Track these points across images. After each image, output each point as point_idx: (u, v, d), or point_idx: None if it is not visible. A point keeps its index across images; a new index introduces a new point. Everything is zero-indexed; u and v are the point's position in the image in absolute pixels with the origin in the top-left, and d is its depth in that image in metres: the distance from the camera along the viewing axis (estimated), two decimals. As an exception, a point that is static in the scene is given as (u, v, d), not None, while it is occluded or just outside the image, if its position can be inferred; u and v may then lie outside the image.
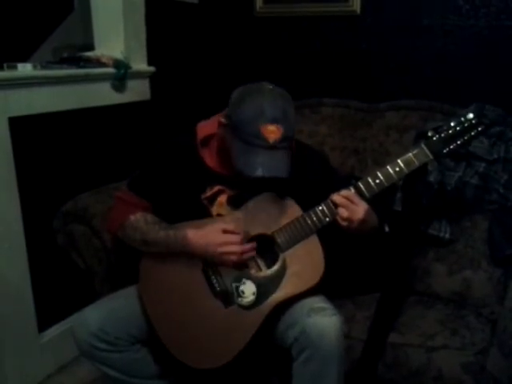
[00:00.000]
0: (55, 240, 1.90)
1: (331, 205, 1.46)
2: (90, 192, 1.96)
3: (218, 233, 1.48)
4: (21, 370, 2.02)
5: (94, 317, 1.51)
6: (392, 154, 2.02)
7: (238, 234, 1.49)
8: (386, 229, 1.57)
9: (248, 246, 1.49)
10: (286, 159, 1.43)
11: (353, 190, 1.46)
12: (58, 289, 2.17)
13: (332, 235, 1.49)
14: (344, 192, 1.45)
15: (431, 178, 1.83)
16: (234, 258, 1.47)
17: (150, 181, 1.61)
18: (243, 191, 1.56)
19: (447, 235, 1.87)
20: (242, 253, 1.47)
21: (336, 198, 1.45)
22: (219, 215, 1.57)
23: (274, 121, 1.40)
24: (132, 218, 1.57)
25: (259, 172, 1.39)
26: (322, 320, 1.39)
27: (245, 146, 1.41)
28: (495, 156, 1.83)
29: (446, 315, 1.75)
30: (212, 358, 1.49)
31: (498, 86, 2.07)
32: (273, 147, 1.40)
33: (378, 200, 1.48)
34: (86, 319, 1.51)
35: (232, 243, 1.47)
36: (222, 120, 1.49)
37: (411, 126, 2.03)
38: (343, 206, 1.43)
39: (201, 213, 1.56)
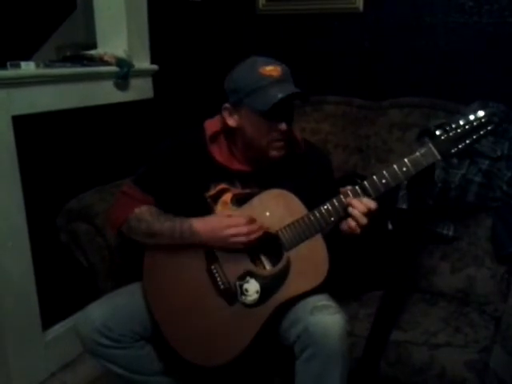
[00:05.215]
0: (59, 238, 1.90)
1: (336, 204, 1.44)
2: (93, 190, 1.96)
3: (223, 217, 1.49)
4: (24, 368, 2.03)
5: (97, 313, 1.51)
6: (395, 151, 2.01)
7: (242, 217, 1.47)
8: (390, 226, 1.57)
9: (254, 225, 1.46)
10: (299, 89, 1.44)
11: (359, 191, 1.43)
12: (61, 287, 2.17)
13: (335, 233, 1.49)
14: (366, 200, 1.41)
15: (435, 177, 1.82)
16: (242, 239, 1.45)
17: (157, 177, 1.60)
18: (251, 187, 1.55)
19: (451, 233, 1.86)
20: (249, 233, 1.45)
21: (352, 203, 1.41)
22: None
23: (268, 63, 1.45)
24: (137, 210, 1.57)
25: (279, 95, 1.38)
26: (325, 318, 1.38)
27: (254, 96, 1.42)
28: (499, 153, 1.83)
29: (450, 313, 1.75)
30: (215, 357, 1.49)
31: (502, 84, 2.06)
32: (281, 80, 1.42)
33: (381, 197, 1.46)
34: (89, 315, 1.51)
35: (238, 225, 1.46)
36: (226, 105, 1.50)
37: (414, 124, 2.02)
38: (355, 217, 1.40)
39: (204, 211, 1.56)
